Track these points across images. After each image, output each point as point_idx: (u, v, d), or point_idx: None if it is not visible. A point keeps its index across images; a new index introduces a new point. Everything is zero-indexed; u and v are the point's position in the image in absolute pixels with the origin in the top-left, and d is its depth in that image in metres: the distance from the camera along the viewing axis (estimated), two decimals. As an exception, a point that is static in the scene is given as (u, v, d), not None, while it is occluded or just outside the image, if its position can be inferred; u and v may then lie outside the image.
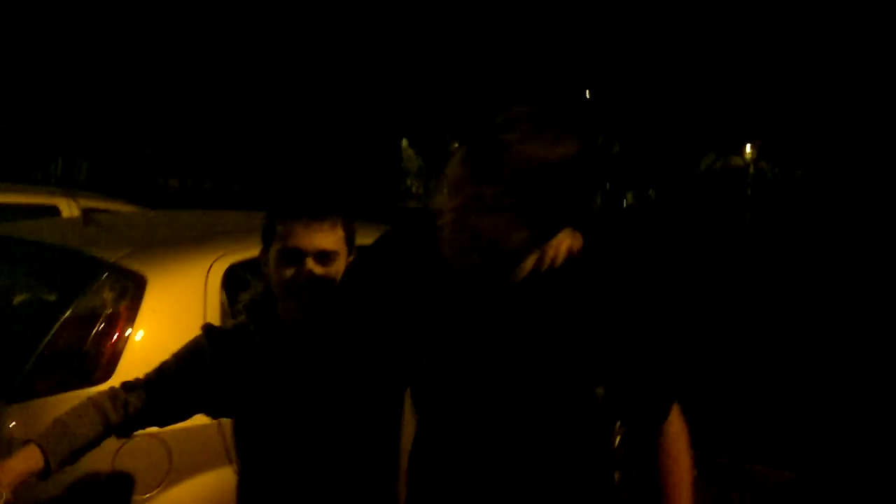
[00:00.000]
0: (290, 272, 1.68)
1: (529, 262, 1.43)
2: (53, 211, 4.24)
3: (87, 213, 2.82)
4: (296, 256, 1.68)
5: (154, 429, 2.20)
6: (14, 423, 2.11)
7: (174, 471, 2.30)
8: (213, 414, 1.99)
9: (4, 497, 1.45)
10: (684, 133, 18.91)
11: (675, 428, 1.50)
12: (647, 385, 1.46)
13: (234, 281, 2.63)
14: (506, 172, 1.28)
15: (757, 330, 8.13)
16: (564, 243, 1.45)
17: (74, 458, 1.68)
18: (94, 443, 1.73)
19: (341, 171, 19.90)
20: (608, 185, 24.16)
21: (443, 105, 18.32)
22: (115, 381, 2.23)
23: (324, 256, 1.69)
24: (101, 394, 1.78)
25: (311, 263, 1.68)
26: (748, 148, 22.23)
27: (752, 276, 11.63)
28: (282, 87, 18.79)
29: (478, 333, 1.46)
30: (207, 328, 1.88)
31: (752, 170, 22.54)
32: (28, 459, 1.59)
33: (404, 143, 24.27)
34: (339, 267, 1.72)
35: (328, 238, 1.70)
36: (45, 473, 1.62)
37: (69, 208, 4.29)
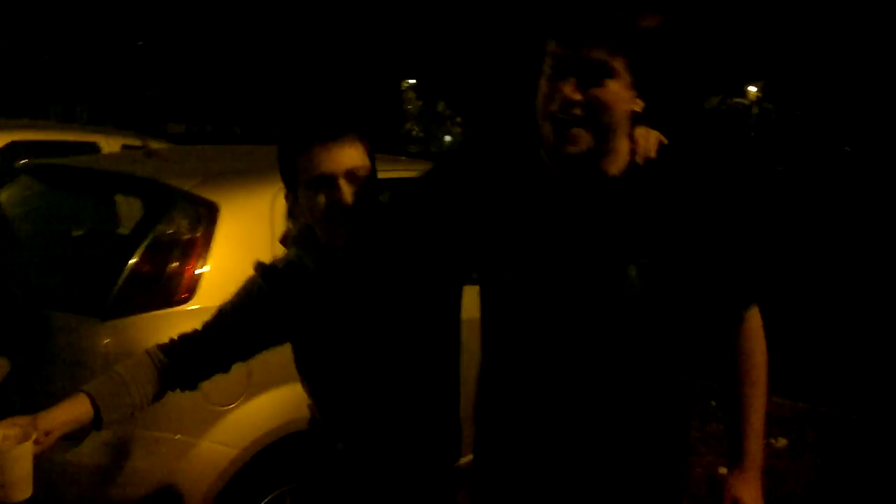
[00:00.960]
0: (323, 199, 1.61)
1: (624, 153, 1.51)
2: (94, 147, 4.34)
3: (146, 146, 2.91)
4: (326, 182, 1.61)
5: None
6: (108, 339, 2.26)
7: (253, 384, 2.45)
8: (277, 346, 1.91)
9: (34, 436, 1.45)
10: (688, 73, 18.87)
11: (756, 324, 1.59)
12: (737, 272, 1.55)
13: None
14: (613, 37, 1.37)
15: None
16: (653, 135, 1.55)
17: (129, 413, 1.66)
18: (155, 398, 1.72)
19: (342, 112, 19.83)
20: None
21: (445, 49, 18.13)
22: (197, 301, 2.40)
23: (353, 175, 1.62)
24: (157, 347, 1.77)
25: (343, 185, 1.61)
26: (752, 88, 22.22)
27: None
28: (283, 31, 18.58)
29: (577, 235, 1.49)
30: (259, 266, 1.81)
31: (755, 110, 22.57)
32: (75, 410, 1.57)
33: (404, 85, 24.13)
34: (370, 181, 1.66)
35: (353, 155, 1.63)
36: (96, 424, 1.60)
37: (108, 145, 4.39)
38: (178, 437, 2.34)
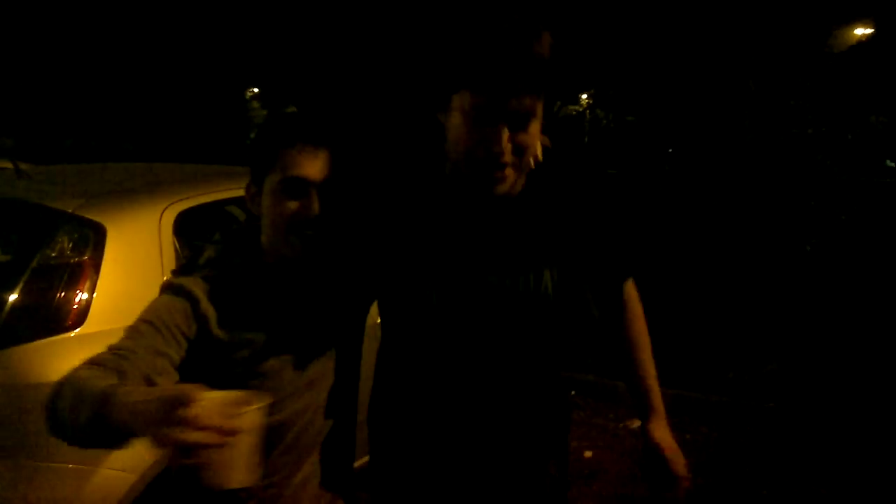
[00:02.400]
0: (293, 205, 1.52)
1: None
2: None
3: (16, 166, 2.79)
4: (300, 188, 1.52)
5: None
6: (-4, 370, 2.18)
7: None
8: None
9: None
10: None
11: (634, 294, 1.85)
12: (614, 253, 1.78)
13: (183, 227, 2.75)
14: (535, 84, 1.43)
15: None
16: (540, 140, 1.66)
17: None
18: None
19: (187, 122, 19.15)
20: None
21: (290, 58, 17.92)
22: (88, 327, 2.35)
23: (326, 186, 1.54)
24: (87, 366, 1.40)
25: (314, 195, 1.52)
26: (584, 96, 23.56)
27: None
28: (126, 42, 17.70)
29: (491, 248, 1.58)
30: (171, 284, 1.55)
31: (588, 115, 23.95)
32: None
33: (248, 93, 23.60)
34: (334, 197, 1.57)
35: (330, 168, 1.55)
36: None
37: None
38: (72, 466, 2.28)
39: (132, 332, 1.45)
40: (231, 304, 1.53)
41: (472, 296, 1.58)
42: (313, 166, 1.52)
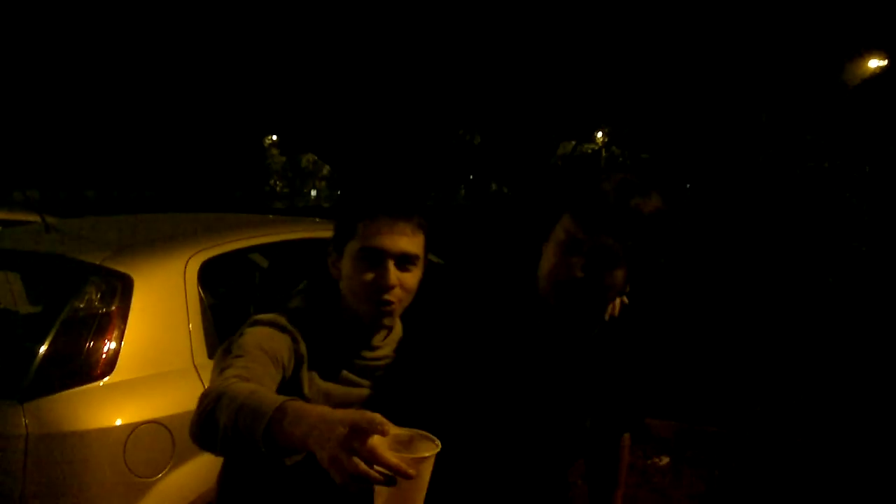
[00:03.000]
0: (370, 275, 1.60)
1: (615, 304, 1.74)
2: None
3: (44, 220, 2.87)
4: (377, 258, 1.60)
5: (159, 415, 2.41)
6: (28, 420, 2.22)
7: (177, 455, 2.46)
8: None
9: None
10: (538, 122, 19.90)
11: (628, 443, 2.08)
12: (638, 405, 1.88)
13: (207, 276, 2.81)
14: (626, 229, 1.51)
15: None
16: (619, 301, 1.78)
17: None
18: None
19: (207, 170, 19.48)
20: (471, 175, 24.93)
21: (307, 105, 18.23)
22: (116, 376, 2.39)
23: (405, 260, 1.62)
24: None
25: (392, 267, 1.60)
26: (599, 134, 23.72)
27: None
28: (144, 89, 18.11)
29: (569, 368, 1.69)
30: (270, 321, 1.60)
31: (604, 153, 24.07)
32: None
33: (267, 141, 23.97)
34: (418, 272, 1.66)
35: (411, 241, 1.63)
36: None
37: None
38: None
39: (248, 358, 1.46)
40: (316, 354, 1.59)
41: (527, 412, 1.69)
42: (391, 238, 1.60)
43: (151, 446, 2.38)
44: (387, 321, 1.65)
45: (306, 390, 1.56)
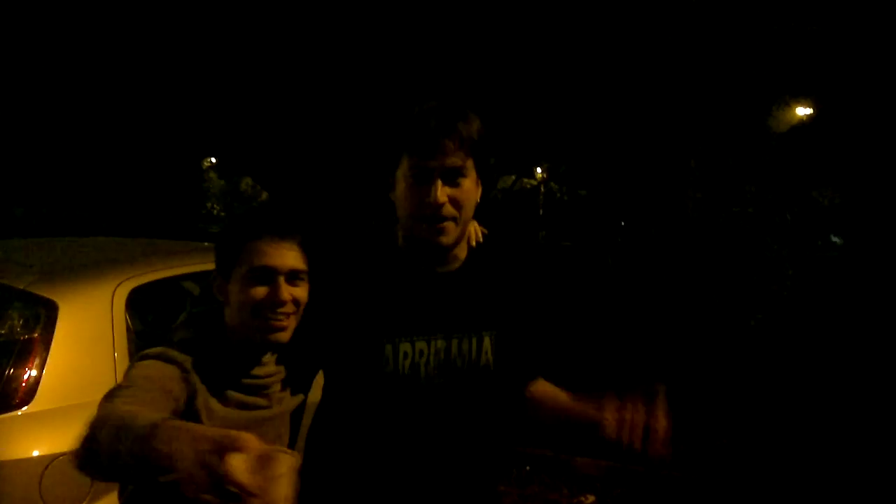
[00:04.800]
0: (261, 292, 1.63)
1: (464, 248, 1.82)
2: None
3: (-33, 242, 2.80)
4: (267, 276, 1.64)
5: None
6: (-61, 449, 2.15)
7: (94, 490, 2.38)
8: None
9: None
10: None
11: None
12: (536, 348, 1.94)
13: (136, 304, 2.77)
14: (463, 145, 1.67)
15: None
16: (476, 226, 1.90)
17: None
18: None
19: (143, 191, 19.07)
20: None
21: (246, 127, 18.06)
22: (36, 405, 2.33)
23: (294, 276, 1.67)
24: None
25: (282, 283, 1.64)
26: (539, 170, 24.14)
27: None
28: (80, 105, 17.67)
29: (439, 315, 1.76)
30: (158, 353, 1.60)
31: (542, 189, 24.50)
32: None
33: (205, 164, 23.67)
34: (306, 286, 1.70)
35: (298, 257, 1.68)
36: None
37: None
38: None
39: (134, 388, 1.45)
40: (209, 381, 1.60)
41: (417, 363, 1.74)
42: (279, 256, 1.65)
43: (69, 479, 2.32)
44: (280, 337, 1.67)
45: (205, 420, 1.56)
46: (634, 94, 12.62)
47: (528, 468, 5.30)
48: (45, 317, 2.43)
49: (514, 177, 19.12)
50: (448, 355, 1.75)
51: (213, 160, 23.80)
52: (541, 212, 25.27)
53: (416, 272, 1.78)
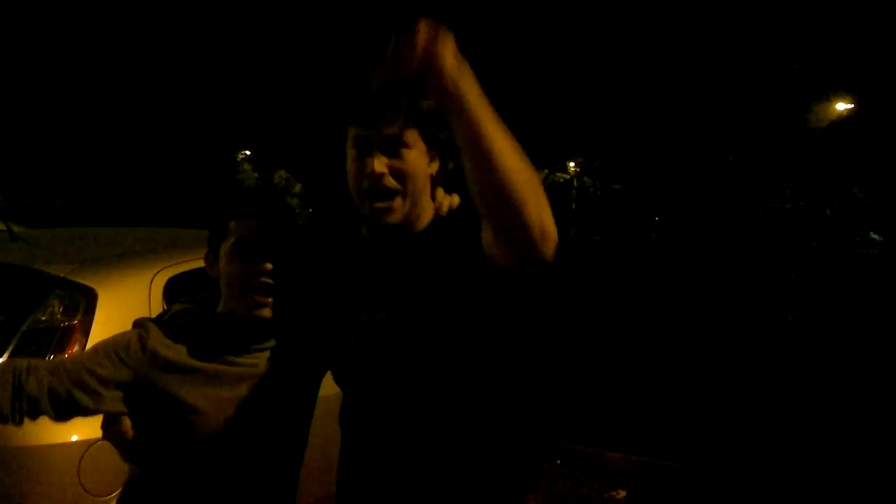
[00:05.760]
0: (244, 267, 1.71)
1: (430, 212, 1.71)
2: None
3: (10, 230, 2.85)
4: (250, 249, 1.72)
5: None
6: (-17, 433, 2.19)
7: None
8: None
9: None
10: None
11: None
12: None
13: (173, 292, 2.80)
14: (402, 115, 1.59)
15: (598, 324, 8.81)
16: (454, 197, 1.79)
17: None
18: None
19: (178, 183, 19.31)
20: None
21: (280, 120, 18.19)
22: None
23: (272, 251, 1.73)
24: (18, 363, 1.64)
25: (262, 257, 1.71)
26: (572, 164, 24.00)
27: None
28: (117, 98, 17.95)
29: (396, 290, 1.66)
30: (142, 322, 1.81)
31: (576, 183, 24.36)
32: None
33: (240, 156, 23.90)
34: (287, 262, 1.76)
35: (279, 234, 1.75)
36: None
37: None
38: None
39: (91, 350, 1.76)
40: (199, 346, 1.74)
41: (380, 334, 1.66)
42: (259, 230, 1.73)
43: (107, 464, 2.36)
44: (265, 312, 1.72)
45: (152, 371, 1.70)
46: (672, 87, 12.49)
47: (558, 461, 5.28)
48: (85, 304, 2.47)
49: (546, 171, 19.04)
50: (395, 327, 1.63)
51: (248, 153, 24.01)
52: (573, 206, 25.14)
53: (370, 243, 1.74)
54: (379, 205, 1.61)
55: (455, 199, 1.78)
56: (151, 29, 16.55)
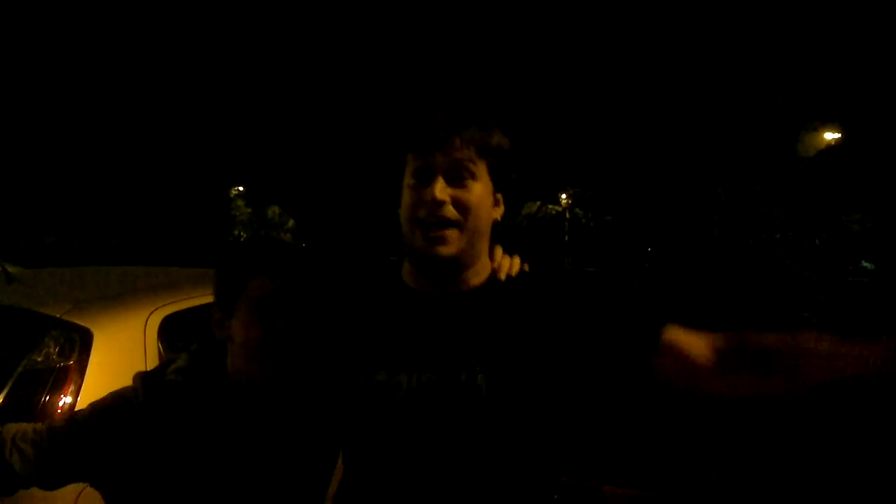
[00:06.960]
0: (265, 330, 1.57)
1: (486, 266, 1.58)
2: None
3: (5, 270, 2.86)
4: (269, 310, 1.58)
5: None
6: (-23, 475, 2.17)
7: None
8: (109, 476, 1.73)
9: None
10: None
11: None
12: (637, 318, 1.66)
13: (168, 331, 2.81)
14: (473, 142, 1.48)
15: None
16: (516, 259, 1.65)
17: None
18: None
19: (171, 219, 19.35)
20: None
21: (274, 156, 18.31)
22: (71, 430, 2.36)
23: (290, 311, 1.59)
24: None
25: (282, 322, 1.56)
26: (563, 196, 24.15)
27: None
28: (109, 134, 18.04)
29: (435, 345, 1.51)
30: (141, 375, 1.69)
31: (568, 215, 24.49)
32: None
33: (233, 192, 23.96)
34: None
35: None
36: None
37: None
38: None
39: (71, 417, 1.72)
40: (183, 424, 1.58)
41: (409, 386, 1.52)
42: (279, 289, 1.58)
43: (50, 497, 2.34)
44: (283, 377, 1.60)
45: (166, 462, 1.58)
46: (661, 120, 12.63)
47: (556, 497, 5.24)
48: (81, 344, 2.47)
49: (538, 203, 19.14)
50: (434, 389, 1.49)
51: (241, 188, 24.11)
52: (566, 238, 25.22)
53: (415, 295, 1.57)
54: (434, 233, 1.47)
55: (516, 263, 1.64)
56: (146, 65, 16.69)
